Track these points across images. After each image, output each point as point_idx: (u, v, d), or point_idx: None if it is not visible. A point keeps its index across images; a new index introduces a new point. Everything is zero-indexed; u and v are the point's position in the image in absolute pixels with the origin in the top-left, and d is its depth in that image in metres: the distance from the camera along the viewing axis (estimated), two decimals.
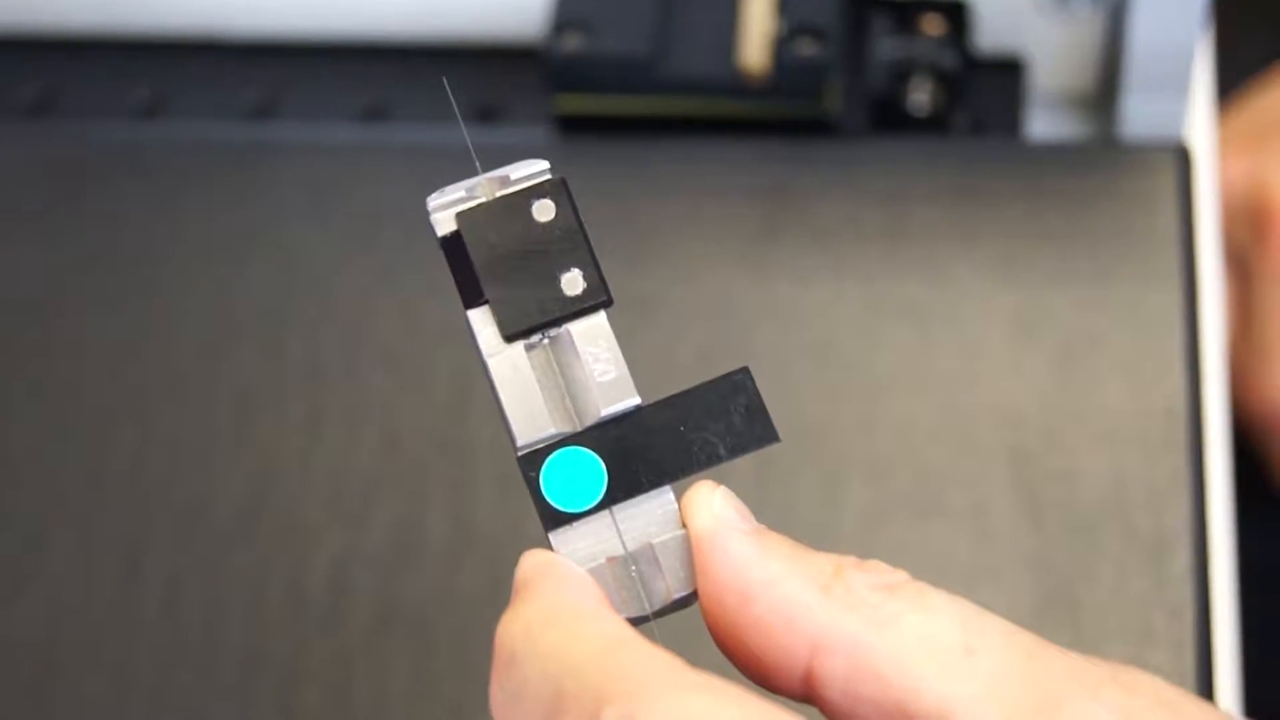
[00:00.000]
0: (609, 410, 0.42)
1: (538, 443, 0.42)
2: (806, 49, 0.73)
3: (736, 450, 0.42)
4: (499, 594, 0.65)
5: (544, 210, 0.43)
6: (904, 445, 0.67)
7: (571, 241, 0.43)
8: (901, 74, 0.77)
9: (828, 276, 0.71)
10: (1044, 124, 0.80)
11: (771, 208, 0.73)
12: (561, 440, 0.42)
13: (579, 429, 0.42)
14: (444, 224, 0.44)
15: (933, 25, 0.78)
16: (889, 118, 0.78)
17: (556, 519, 0.42)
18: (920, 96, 0.77)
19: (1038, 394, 0.68)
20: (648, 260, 0.71)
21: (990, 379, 0.68)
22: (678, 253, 0.72)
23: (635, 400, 0.43)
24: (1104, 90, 0.79)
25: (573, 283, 0.43)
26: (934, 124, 0.78)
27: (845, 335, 0.70)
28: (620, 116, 0.75)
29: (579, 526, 0.42)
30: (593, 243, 0.43)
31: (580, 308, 0.43)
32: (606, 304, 0.43)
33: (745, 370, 0.43)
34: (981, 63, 0.79)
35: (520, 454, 0.42)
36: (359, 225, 0.73)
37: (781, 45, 0.73)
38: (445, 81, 0.49)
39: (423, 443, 0.68)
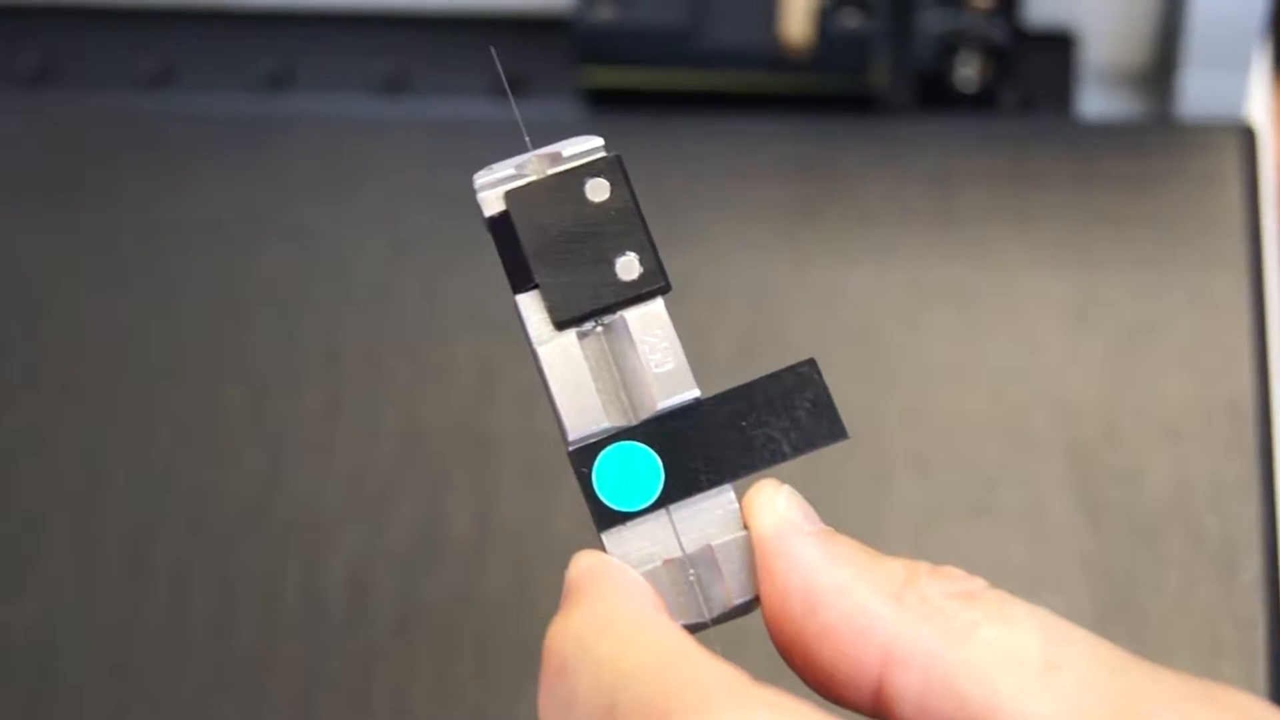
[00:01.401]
0: (666, 403, 0.40)
1: (590, 437, 0.39)
2: (851, 20, 0.69)
3: (802, 447, 0.40)
4: (525, 595, 0.62)
5: (598, 189, 0.40)
6: (953, 440, 0.63)
7: (627, 223, 0.40)
8: (949, 48, 0.74)
9: (871, 260, 0.67)
10: (1097, 100, 0.76)
11: (812, 187, 0.69)
12: (615, 434, 0.40)
13: (634, 422, 0.40)
14: (491, 203, 0.40)
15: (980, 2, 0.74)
16: (935, 93, 0.74)
17: (610, 518, 0.39)
18: (968, 71, 0.74)
19: (1095, 386, 0.64)
20: (680, 242, 0.67)
21: (1044, 370, 0.64)
22: (712, 234, 0.68)
23: (694, 393, 0.40)
24: (1160, 65, 0.76)
25: (628, 267, 0.40)
26: (982, 100, 0.74)
27: (890, 322, 0.66)
28: (653, 90, 0.71)
29: (634, 526, 0.39)
30: (649, 224, 0.40)
31: (636, 293, 0.40)
32: (664, 290, 0.40)
33: (811, 362, 0.40)
34: (1032, 35, 0.75)
35: (571, 449, 0.39)
36: (377, 203, 0.70)
37: (825, 16, 0.69)
38: (494, 52, 0.44)
39: (445, 434, 0.65)
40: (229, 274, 0.69)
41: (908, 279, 0.67)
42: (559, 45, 0.75)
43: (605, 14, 0.70)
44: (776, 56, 0.70)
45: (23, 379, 0.67)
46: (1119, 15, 0.75)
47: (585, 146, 0.40)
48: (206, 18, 0.80)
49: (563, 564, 0.62)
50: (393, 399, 0.66)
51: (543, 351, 0.40)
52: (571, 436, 0.39)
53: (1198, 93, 0.72)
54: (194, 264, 0.69)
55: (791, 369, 0.40)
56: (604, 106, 0.72)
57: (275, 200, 0.70)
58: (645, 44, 0.70)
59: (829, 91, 0.70)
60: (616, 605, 0.38)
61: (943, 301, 0.66)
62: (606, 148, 0.40)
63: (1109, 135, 0.70)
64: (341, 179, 0.70)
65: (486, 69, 0.78)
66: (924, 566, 0.38)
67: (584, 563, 0.39)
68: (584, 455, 0.39)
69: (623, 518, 0.39)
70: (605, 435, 0.39)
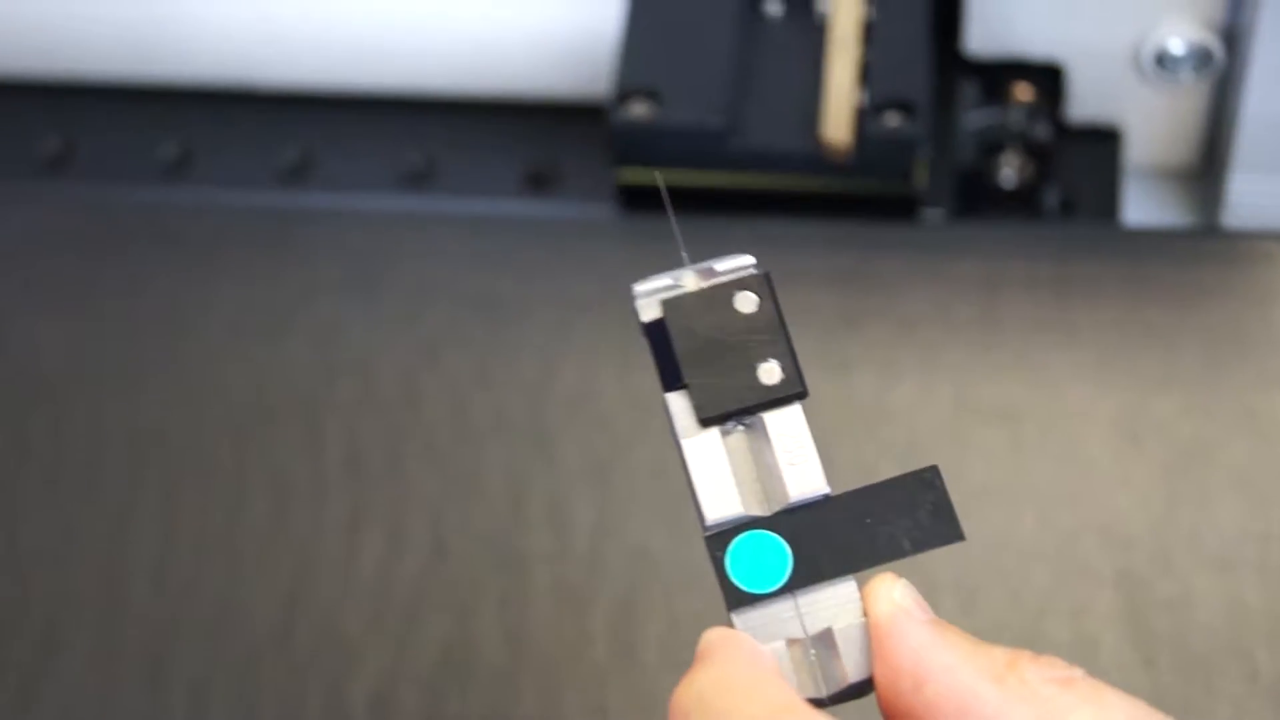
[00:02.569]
0: (798, 497, 0.43)
1: (726, 523, 0.43)
2: (894, 123, 0.67)
3: (920, 545, 0.43)
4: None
5: (746, 302, 0.44)
6: (998, 566, 0.61)
7: (771, 333, 0.44)
8: (990, 146, 0.72)
9: (914, 373, 0.65)
10: (1140, 200, 0.74)
11: (852, 293, 0.67)
12: (750, 523, 0.43)
13: (768, 514, 0.43)
14: (648, 310, 0.44)
15: (1024, 93, 0.72)
16: (976, 190, 0.72)
17: (740, 599, 0.42)
18: (1010, 170, 0.72)
19: (1145, 511, 0.62)
20: None
21: (1092, 493, 0.62)
22: None
23: (825, 489, 0.43)
24: (1207, 165, 0.74)
25: (770, 373, 0.44)
26: (1024, 198, 0.73)
27: (933, 438, 0.64)
28: (689, 188, 0.69)
29: (761, 608, 0.43)
30: (791, 336, 0.44)
31: (776, 397, 0.43)
32: (801, 395, 0.43)
33: (934, 469, 0.43)
34: (1075, 131, 0.74)
35: (708, 534, 0.43)
36: (403, 302, 0.68)
37: (867, 118, 0.67)
38: (659, 178, 0.50)
39: (473, 549, 0.63)
40: (251, 375, 0.67)
41: (952, 394, 0.65)
42: (593, 135, 0.73)
43: (640, 113, 0.68)
44: (816, 158, 0.68)
45: (42, 485, 0.65)
46: (1165, 113, 0.73)
47: (737, 264, 0.44)
48: (226, 100, 0.78)
49: (597, 689, 0.61)
50: (419, 510, 0.64)
51: (687, 445, 0.43)
52: (708, 521, 0.43)
53: (1247, 198, 0.70)
54: (216, 364, 0.67)
55: (916, 473, 0.43)
56: (638, 205, 0.70)
57: (298, 298, 0.68)
58: (682, 144, 0.68)
59: (870, 193, 0.68)
60: (737, 668, 0.41)
61: (988, 418, 0.64)
62: (756, 266, 0.44)
63: (1156, 243, 0.68)
64: (367, 276, 0.68)
65: (516, 158, 0.76)
66: (1026, 654, 0.41)
67: (713, 634, 0.42)
68: (719, 540, 0.43)
69: (751, 599, 0.42)
70: (740, 523, 0.43)
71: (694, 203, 0.70)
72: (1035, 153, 0.72)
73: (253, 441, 0.65)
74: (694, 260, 0.44)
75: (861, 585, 0.42)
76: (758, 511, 0.43)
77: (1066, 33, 0.71)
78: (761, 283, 0.44)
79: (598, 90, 0.74)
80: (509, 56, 0.75)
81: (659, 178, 0.51)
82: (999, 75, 0.73)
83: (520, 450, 0.65)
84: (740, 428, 0.44)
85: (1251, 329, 0.65)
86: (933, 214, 0.70)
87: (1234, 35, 0.69)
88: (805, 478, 0.43)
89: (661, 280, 0.44)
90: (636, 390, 0.65)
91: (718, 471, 0.43)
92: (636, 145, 0.68)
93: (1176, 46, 0.70)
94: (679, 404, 0.44)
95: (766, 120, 0.68)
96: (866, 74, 0.68)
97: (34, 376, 0.67)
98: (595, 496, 0.63)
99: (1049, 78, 0.72)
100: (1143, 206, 0.74)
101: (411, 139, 0.76)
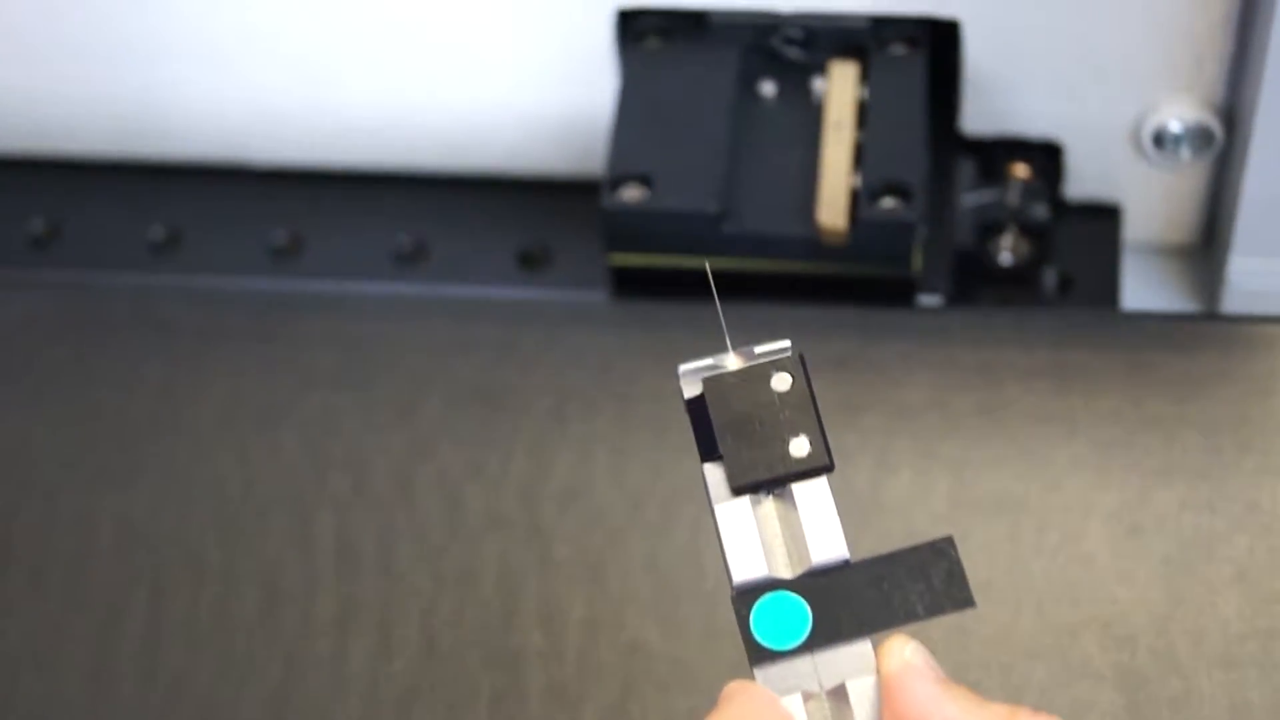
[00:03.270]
0: (820, 561, 0.46)
1: (751, 584, 0.46)
2: (891, 207, 0.66)
3: (934, 610, 0.45)
4: None
5: (782, 381, 0.47)
6: (998, 662, 0.60)
7: (803, 411, 0.47)
8: (988, 226, 0.71)
9: (911, 462, 0.64)
10: (1139, 277, 0.73)
11: (849, 380, 0.66)
12: (774, 584, 0.46)
13: (791, 576, 0.46)
14: (691, 387, 0.48)
15: (1022, 171, 0.71)
16: (974, 270, 0.71)
17: (761, 655, 0.45)
18: (1007, 253, 0.71)
19: (1146, 606, 0.61)
20: None
21: (1093, 587, 0.62)
22: None
23: (845, 555, 0.46)
24: (1207, 244, 0.73)
25: (800, 446, 0.47)
26: (1022, 277, 0.72)
27: (930, 532, 0.63)
28: (682, 270, 0.68)
29: (780, 663, 0.45)
30: (820, 413, 0.47)
31: (804, 469, 0.47)
32: (828, 469, 0.47)
33: (949, 539, 0.46)
34: (1073, 207, 0.73)
35: (735, 593, 0.46)
36: (395, 392, 0.67)
37: (863, 202, 0.66)
38: (719, 311, 0.50)
39: (465, 648, 0.62)
40: (241, 468, 0.66)
41: (949, 485, 0.64)
42: (585, 212, 0.72)
43: (632, 197, 0.67)
44: (812, 243, 0.67)
45: (28, 582, 0.64)
46: (1164, 191, 0.72)
47: (775, 348, 0.48)
48: (215, 177, 0.77)
49: None
50: (410, 607, 0.63)
51: (719, 510, 0.47)
52: (735, 582, 0.46)
53: (1247, 279, 0.69)
54: (205, 457, 0.66)
55: (931, 543, 0.46)
56: (631, 288, 0.69)
57: (289, 389, 0.67)
58: (675, 229, 0.67)
59: (866, 277, 0.68)
60: (753, 712, 0.44)
61: (986, 511, 0.63)
62: (791, 349, 0.47)
63: (1156, 329, 0.67)
64: (360, 367, 0.67)
65: (509, 237, 0.75)
66: (1025, 710, 0.43)
67: (734, 685, 0.45)
68: (745, 599, 0.46)
69: (772, 655, 0.45)
70: (764, 584, 0.46)
71: (689, 284, 0.69)
72: (1033, 232, 0.71)
73: (243, 537, 0.65)
74: (736, 345, 0.48)
75: (876, 646, 0.45)
76: (782, 574, 0.46)
77: (1065, 111, 0.70)
78: (797, 364, 0.47)
79: (591, 167, 0.74)
80: (500, 135, 0.75)
81: (707, 268, 0.54)
82: (996, 153, 0.72)
83: (512, 545, 0.64)
84: (770, 496, 0.47)
85: (1253, 417, 0.64)
86: (929, 299, 0.69)
87: (1234, 116, 0.68)
88: (827, 543, 0.46)
89: (705, 361, 0.48)
90: (630, 483, 0.64)
91: (746, 536, 0.46)
92: (629, 230, 0.68)
93: (1176, 126, 0.69)
94: (714, 473, 0.47)
95: (761, 204, 0.67)
96: (861, 155, 0.67)
97: (21, 469, 0.66)
98: (588, 592, 0.62)
99: (1047, 155, 0.72)
100: (1141, 284, 0.73)
101: (403, 217, 0.75)
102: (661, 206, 0.67)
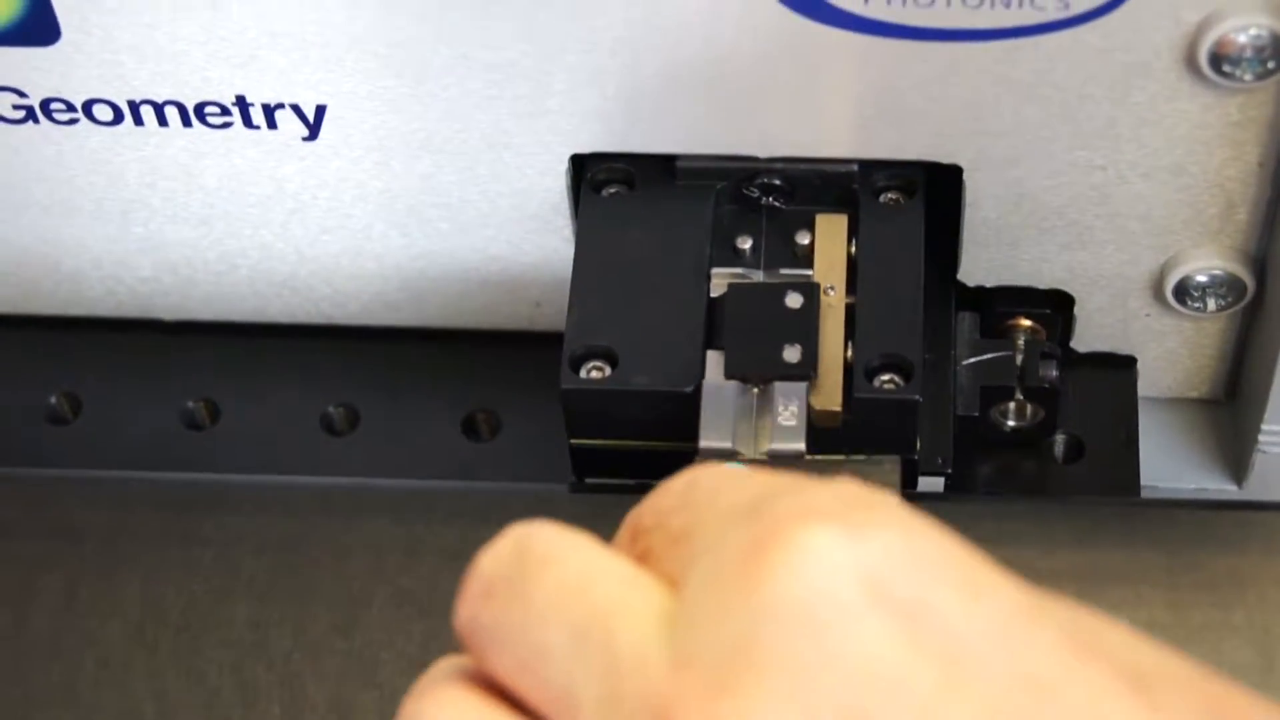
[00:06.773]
0: (778, 448, 0.55)
1: (714, 450, 0.54)
2: (888, 386, 0.58)
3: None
4: None
5: (795, 300, 0.57)
6: None
7: (806, 326, 0.56)
8: (991, 389, 0.63)
9: None
10: (1153, 434, 0.66)
11: None
12: (733, 455, 0.54)
13: (752, 456, 0.54)
14: (721, 288, 0.59)
15: (1029, 328, 0.64)
16: (977, 433, 0.64)
17: None
18: (1012, 421, 0.64)
19: None
20: None
21: None
22: None
23: (802, 448, 0.55)
24: (1230, 398, 0.66)
25: (792, 354, 0.56)
26: (1029, 443, 0.64)
27: None
28: (651, 451, 0.60)
29: None
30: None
31: (789, 373, 0.55)
32: (809, 378, 0.55)
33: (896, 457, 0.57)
34: (1085, 358, 0.66)
35: (700, 457, 0.54)
36: (330, 608, 0.59)
37: (858, 381, 0.58)
38: None
39: None
40: (161, 697, 0.57)
41: None
42: (543, 363, 0.63)
43: (596, 376, 0.59)
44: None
45: None
46: (1184, 344, 0.65)
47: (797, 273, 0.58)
48: (124, 329, 0.68)
49: None
50: None
51: (705, 386, 0.55)
52: (701, 445, 0.54)
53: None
54: (116, 688, 0.58)
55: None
56: (594, 471, 0.61)
57: (211, 605, 0.59)
58: (644, 412, 0.59)
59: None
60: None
61: None
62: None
63: (1187, 523, 0.59)
64: (286, 575, 0.59)
65: (452, 399, 0.67)
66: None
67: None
68: (706, 458, 0.54)
69: None
70: (725, 453, 0.54)
71: (658, 464, 0.61)
72: (1041, 395, 0.63)
73: None
74: None
75: None
76: (746, 452, 0.54)
77: (1078, 260, 0.63)
78: (812, 291, 0.57)
79: (545, 319, 0.66)
80: (438, 288, 0.66)
81: None
82: (1000, 305, 0.64)
83: None
84: (755, 390, 0.55)
85: None
86: (929, 482, 0.61)
87: (1267, 265, 0.61)
88: (789, 435, 0.54)
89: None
90: None
91: (722, 412, 0.55)
92: (591, 412, 0.59)
93: (1203, 276, 0.62)
94: (714, 360, 0.56)
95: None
96: (853, 328, 0.59)
97: None
98: None
99: (1057, 307, 0.64)
100: (1156, 443, 0.66)
101: (332, 377, 0.67)
102: (629, 384, 0.59)
